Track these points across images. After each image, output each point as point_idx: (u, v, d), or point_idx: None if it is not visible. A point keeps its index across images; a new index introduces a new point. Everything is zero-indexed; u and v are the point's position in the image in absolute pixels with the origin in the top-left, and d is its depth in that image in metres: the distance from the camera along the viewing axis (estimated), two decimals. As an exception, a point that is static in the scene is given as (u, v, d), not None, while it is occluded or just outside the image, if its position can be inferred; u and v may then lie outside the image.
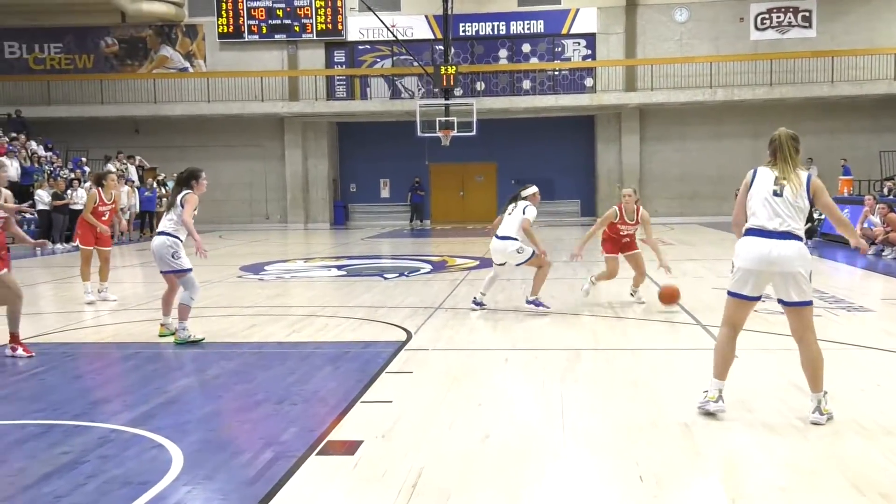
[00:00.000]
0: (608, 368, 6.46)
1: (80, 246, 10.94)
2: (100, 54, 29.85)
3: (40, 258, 18.46)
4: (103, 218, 10.87)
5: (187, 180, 7.80)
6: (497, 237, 9.14)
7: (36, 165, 22.83)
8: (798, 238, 4.90)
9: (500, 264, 9.35)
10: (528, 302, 9.07)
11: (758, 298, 5.03)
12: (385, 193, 31.29)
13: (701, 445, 4.54)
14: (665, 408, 5.29)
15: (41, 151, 24.31)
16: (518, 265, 9.14)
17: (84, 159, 25.64)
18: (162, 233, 7.79)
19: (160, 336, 7.91)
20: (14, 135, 23.82)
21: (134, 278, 14.56)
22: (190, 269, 7.76)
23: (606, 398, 5.56)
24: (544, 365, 6.57)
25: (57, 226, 20.46)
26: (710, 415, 5.01)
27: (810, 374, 4.94)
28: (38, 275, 14.93)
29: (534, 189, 9.28)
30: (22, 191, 21.49)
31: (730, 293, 5.09)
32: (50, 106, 28.54)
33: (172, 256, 7.69)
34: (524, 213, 9.03)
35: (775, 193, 4.92)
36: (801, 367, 5.02)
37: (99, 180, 11.04)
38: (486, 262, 15.14)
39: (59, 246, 20.22)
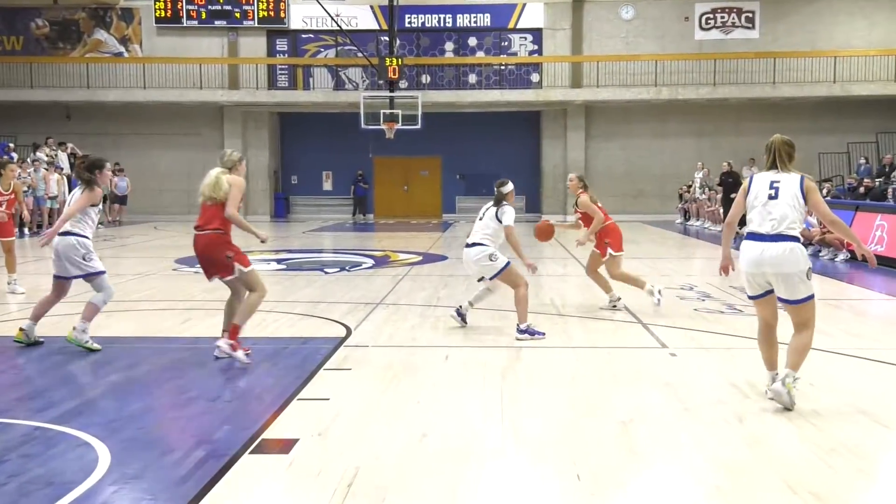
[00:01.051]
0: (549, 367, 6.52)
1: None
2: (30, 36, 29.01)
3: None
4: (0, 208, 10.56)
5: (89, 170, 7.36)
6: (466, 245, 8.08)
7: (-40, 151, 22.09)
8: (792, 239, 5.19)
9: (479, 279, 8.31)
10: (521, 331, 7.61)
11: (769, 293, 5.33)
12: (327, 186, 31.08)
13: (638, 444, 4.61)
14: (604, 407, 5.36)
15: (-35, 136, 23.55)
16: (492, 278, 7.99)
17: (12, 145, 24.85)
18: (68, 233, 7.12)
19: (15, 341, 7.19)
20: (-64, 118, 23.01)
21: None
22: (104, 272, 7.28)
23: (546, 396, 5.61)
24: (485, 362, 6.59)
25: (-19, 214, 19.81)
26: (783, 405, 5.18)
27: (794, 357, 5.24)
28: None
29: (511, 186, 8.04)
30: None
31: (748, 295, 5.50)
32: (-24, 89, 27.65)
33: (84, 259, 7.12)
34: (501, 219, 7.89)
35: (770, 197, 5.25)
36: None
37: None
38: (429, 258, 15.17)
39: None
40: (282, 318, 8.70)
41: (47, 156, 23.60)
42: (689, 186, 26.18)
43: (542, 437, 4.72)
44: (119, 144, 28.35)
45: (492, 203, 8.07)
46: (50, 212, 22.42)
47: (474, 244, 7.95)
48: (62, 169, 23.86)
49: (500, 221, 7.89)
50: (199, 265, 6.88)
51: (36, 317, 7.33)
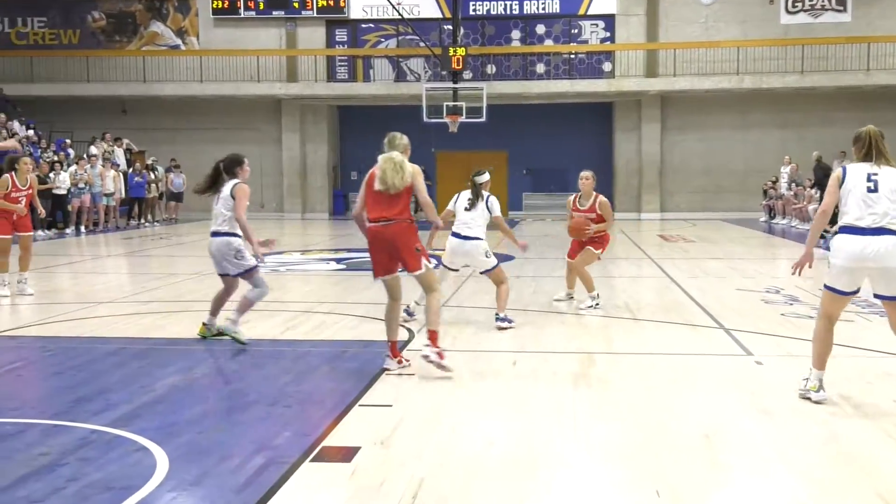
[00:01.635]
0: (623, 373, 6.44)
1: None
2: (86, 29, 29.85)
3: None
4: (19, 204, 10.67)
5: (230, 168, 7.51)
6: (460, 236, 8.39)
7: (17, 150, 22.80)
8: (895, 233, 5.22)
9: (455, 269, 8.81)
10: (501, 319, 8.19)
11: (855, 293, 5.44)
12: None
13: (721, 457, 4.52)
14: (684, 417, 5.27)
15: (23, 132, 24.32)
16: (483, 273, 8.50)
17: (68, 141, 25.62)
18: (219, 233, 7.43)
19: (200, 335, 7.70)
20: (-6, 114, 23.83)
21: (118, 269, 14.58)
22: (257, 266, 7.54)
23: (621, 405, 5.54)
24: (555, 369, 6.55)
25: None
26: (815, 403, 5.42)
27: None
28: (17, 263, 14.95)
29: (488, 176, 8.60)
30: (2, 174, 21.51)
31: (827, 287, 5.49)
32: (33, 84, 28.54)
33: (236, 257, 7.43)
34: (491, 209, 8.42)
35: (869, 190, 5.28)
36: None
37: (11, 164, 10.80)
38: (498, 257, 15.14)
39: (40, 233, 20.23)
40: (342, 320, 8.78)
41: (104, 151, 24.24)
42: (775, 181, 25.60)
43: (616, 448, 4.67)
44: (175, 140, 28.99)
45: (470, 193, 8.51)
46: (106, 209, 23.04)
47: (474, 238, 8.37)
48: (118, 165, 24.49)
49: (490, 212, 8.43)
50: (375, 259, 6.51)
51: (214, 312, 7.73)
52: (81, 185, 21.85)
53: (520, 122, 29.31)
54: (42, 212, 12.51)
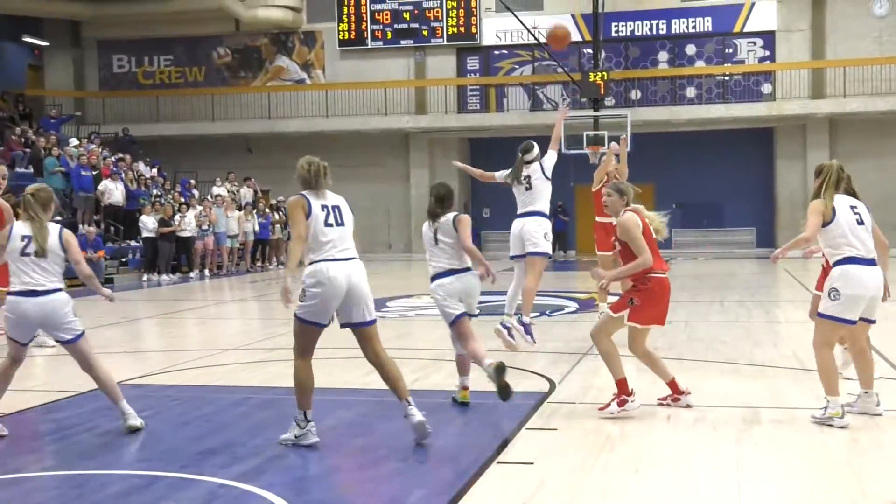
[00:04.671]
0: (795, 431, 6.20)
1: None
2: (211, 66, 31.41)
3: (146, 290, 19.46)
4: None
5: (445, 200, 7.25)
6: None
7: (142, 188, 24.16)
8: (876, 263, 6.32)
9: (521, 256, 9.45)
10: (522, 323, 9.14)
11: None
12: (522, 219, 31.32)
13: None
14: (867, 485, 5.01)
15: (148, 173, 25.72)
16: (530, 255, 9.30)
17: (193, 181, 26.92)
18: (455, 270, 7.07)
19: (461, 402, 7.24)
20: (120, 155, 25.32)
21: (243, 314, 15.12)
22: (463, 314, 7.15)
23: (792, 468, 5.32)
24: (715, 424, 6.37)
25: (163, 255, 21.51)
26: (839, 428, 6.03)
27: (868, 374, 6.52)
28: (143, 308, 15.74)
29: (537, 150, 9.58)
30: (127, 217, 22.79)
31: (834, 318, 6.21)
32: (158, 123, 30.21)
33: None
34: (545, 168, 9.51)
35: (858, 222, 6.27)
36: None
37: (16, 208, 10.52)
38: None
39: (165, 277, 21.26)
40: (476, 369, 8.79)
41: (228, 192, 25.30)
42: (966, 213, 24.25)
43: (789, 519, 4.47)
44: (300, 178, 29.96)
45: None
46: (230, 251, 23.97)
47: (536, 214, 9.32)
48: (249, 205, 25.48)
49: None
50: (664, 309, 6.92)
51: (466, 368, 7.31)
52: (205, 226, 22.85)
53: (668, 152, 28.88)
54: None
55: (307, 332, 6.02)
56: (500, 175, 9.62)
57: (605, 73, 25.87)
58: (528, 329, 9.15)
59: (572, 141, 25.64)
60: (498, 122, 29.48)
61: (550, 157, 9.40)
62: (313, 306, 5.89)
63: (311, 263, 5.98)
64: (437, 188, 7.34)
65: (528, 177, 9.37)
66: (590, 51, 27.35)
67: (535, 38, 27.44)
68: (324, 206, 6.03)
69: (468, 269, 7.11)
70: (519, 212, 9.41)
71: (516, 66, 30.12)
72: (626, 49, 29.25)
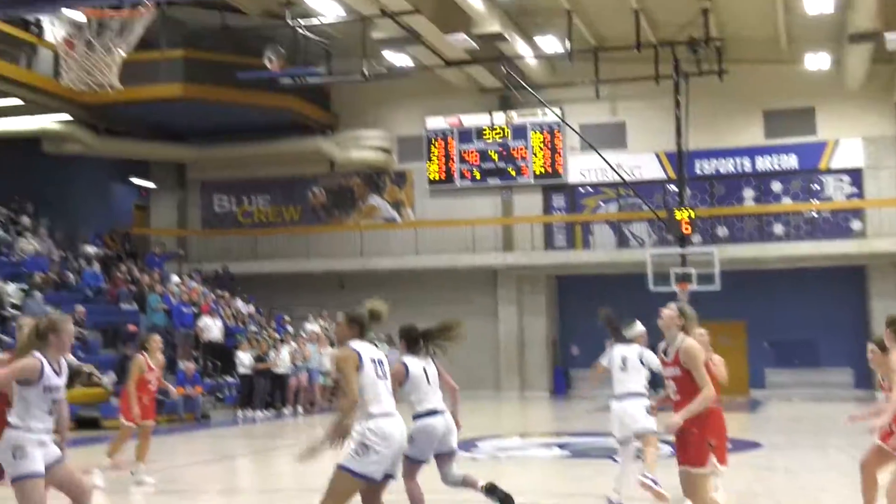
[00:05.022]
0: None
1: (124, 422, 10.83)
2: (307, 205, 32.47)
3: (241, 426, 19.74)
4: (149, 386, 10.87)
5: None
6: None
7: (240, 325, 24.80)
8: None
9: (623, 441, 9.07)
10: (647, 478, 8.55)
11: None
12: (610, 356, 31.01)
13: None
14: None
15: (245, 309, 26.43)
16: (639, 434, 8.89)
17: (287, 318, 27.49)
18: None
19: None
20: (220, 292, 26.15)
21: (338, 453, 15.17)
22: None
23: None
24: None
25: (258, 391, 21.85)
26: None
27: None
28: (237, 445, 15.96)
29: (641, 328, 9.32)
30: (225, 353, 23.33)
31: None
32: (256, 261, 31.13)
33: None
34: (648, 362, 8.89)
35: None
36: None
37: (143, 345, 11.12)
38: (738, 444, 14.51)
39: (259, 413, 21.53)
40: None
41: (321, 328, 25.77)
42: None
43: None
44: (390, 314, 30.27)
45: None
46: (322, 388, 24.20)
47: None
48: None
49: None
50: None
51: None
52: (299, 362, 23.21)
53: (758, 289, 28.48)
54: (174, 393, 12.56)
55: (353, 487, 5.96)
56: (604, 362, 9.49)
57: (690, 211, 25.90)
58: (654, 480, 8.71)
59: (659, 278, 25.51)
60: (585, 259, 29.60)
61: (654, 359, 8.75)
62: (374, 462, 5.87)
63: (369, 418, 5.97)
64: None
65: (626, 358, 9.15)
66: (675, 188, 27.50)
67: (620, 177, 27.76)
68: (371, 359, 6.14)
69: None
70: (616, 392, 9.16)
71: (601, 204, 30.40)
72: (711, 186, 29.33)
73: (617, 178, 27.82)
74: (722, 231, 28.80)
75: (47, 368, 5.84)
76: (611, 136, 29.11)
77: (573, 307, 31.19)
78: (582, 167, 29.97)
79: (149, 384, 10.87)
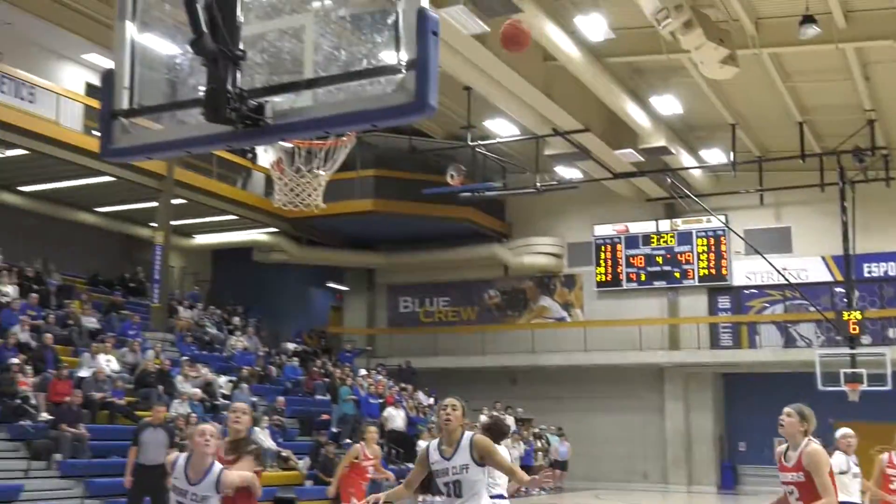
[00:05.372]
0: None
1: None
2: (483, 306, 33.51)
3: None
4: (366, 473, 11.45)
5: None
6: None
7: (421, 415, 25.77)
8: None
9: None
10: None
11: None
12: (781, 454, 29.98)
13: None
14: None
15: (426, 401, 27.44)
16: None
17: (463, 409, 28.27)
18: None
19: None
20: (403, 385, 27.31)
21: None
22: None
23: None
24: None
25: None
26: None
27: None
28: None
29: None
30: (407, 441, 24.27)
31: None
32: (436, 357, 32.27)
33: None
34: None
35: None
36: None
37: (361, 435, 11.86)
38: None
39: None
40: None
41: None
42: None
43: None
44: (560, 408, 30.66)
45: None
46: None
47: None
48: (514, 433, 26.43)
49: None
50: None
51: None
52: (473, 452, 23.79)
53: (934, 391, 27.05)
54: (392, 477, 13.29)
55: None
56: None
57: (859, 313, 25.14)
58: None
59: (828, 378, 24.77)
60: (751, 358, 29.06)
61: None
62: None
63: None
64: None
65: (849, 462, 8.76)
66: (842, 290, 26.80)
67: (785, 279, 27.34)
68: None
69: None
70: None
71: (767, 305, 29.88)
72: (880, 289, 28.37)
73: (783, 281, 27.43)
74: (892, 332, 27.71)
75: None
76: (776, 241, 28.82)
77: (740, 403, 30.48)
78: (747, 270, 29.67)
79: (365, 471, 11.61)
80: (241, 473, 6.35)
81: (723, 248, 29.95)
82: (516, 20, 5.95)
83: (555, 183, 26.04)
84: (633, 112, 22.32)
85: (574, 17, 17.93)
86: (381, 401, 24.82)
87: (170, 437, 14.12)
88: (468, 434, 5.92)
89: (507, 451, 6.79)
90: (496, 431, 7.33)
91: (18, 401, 15.75)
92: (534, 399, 30.89)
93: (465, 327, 33.04)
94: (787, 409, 6.57)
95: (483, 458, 5.91)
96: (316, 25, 3.98)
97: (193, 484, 6.04)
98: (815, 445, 6.29)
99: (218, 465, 6.11)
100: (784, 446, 6.62)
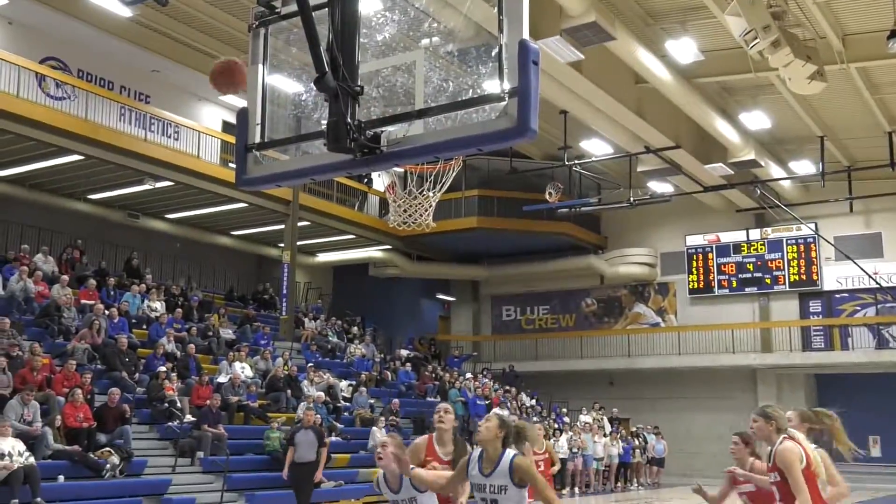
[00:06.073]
0: None
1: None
2: (580, 313, 33.14)
3: None
4: (539, 469, 11.51)
5: None
6: None
7: (524, 416, 25.57)
8: None
9: None
10: None
11: None
12: (875, 452, 28.56)
13: None
14: None
15: (528, 402, 27.27)
16: None
17: (564, 410, 28.00)
18: None
19: None
20: (507, 388, 27.20)
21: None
22: None
23: None
24: None
25: (541, 473, 22.36)
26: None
27: None
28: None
29: None
30: (513, 439, 24.13)
31: None
32: (537, 361, 32.06)
33: None
34: None
35: None
36: None
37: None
38: None
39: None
40: None
41: (594, 419, 26.01)
42: None
43: None
44: (655, 408, 30.01)
45: None
46: (596, 472, 24.33)
47: None
48: (613, 431, 26.06)
49: None
50: None
51: None
52: (575, 449, 23.55)
53: None
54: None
55: None
56: None
57: (952, 316, 23.83)
58: None
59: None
60: (843, 359, 27.83)
61: None
62: None
63: None
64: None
65: None
66: (934, 293, 25.46)
67: (877, 283, 26.13)
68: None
69: None
70: None
71: (858, 308, 28.59)
72: (974, 293, 26.79)
73: (874, 285, 26.28)
74: None
75: None
76: (866, 246, 27.61)
77: (833, 403, 28.92)
78: (838, 275, 28.50)
79: (538, 467, 11.66)
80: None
81: (813, 254, 28.83)
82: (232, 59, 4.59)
83: (647, 197, 25.58)
84: (723, 128, 21.72)
85: (664, 42, 17.61)
86: (487, 402, 24.78)
87: (318, 438, 14.44)
88: (509, 453, 5.29)
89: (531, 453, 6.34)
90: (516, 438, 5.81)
91: (166, 405, 16.30)
92: (630, 399, 30.36)
93: (564, 333, 32.74)
94: (752, 415, 5.81)
95: (523, 481, 5.27)
96: (426, 60, 4.02)
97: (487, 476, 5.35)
98: (786, 443, 5.51)
99: (509, 453, 5.35)
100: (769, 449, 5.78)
